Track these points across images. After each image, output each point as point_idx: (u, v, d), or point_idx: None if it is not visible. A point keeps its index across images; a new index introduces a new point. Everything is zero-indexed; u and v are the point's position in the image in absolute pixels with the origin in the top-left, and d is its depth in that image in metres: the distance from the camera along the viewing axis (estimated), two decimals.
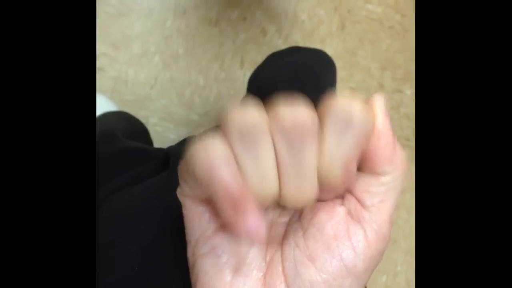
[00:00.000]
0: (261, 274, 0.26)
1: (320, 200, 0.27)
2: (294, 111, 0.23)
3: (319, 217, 0.26)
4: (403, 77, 1.30)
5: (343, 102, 0.23)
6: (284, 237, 0.27)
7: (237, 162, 0.23)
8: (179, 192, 0.27)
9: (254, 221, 0.22)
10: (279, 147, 0.23)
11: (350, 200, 0.26)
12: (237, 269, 0.26)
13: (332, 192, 0.26)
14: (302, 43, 1.28)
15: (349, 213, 0.26)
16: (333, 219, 0.26)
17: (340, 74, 1.21)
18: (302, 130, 0.23)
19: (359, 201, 0.26)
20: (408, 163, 0.26)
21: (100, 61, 1.18)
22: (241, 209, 0.22)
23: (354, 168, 0.25)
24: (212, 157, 0.23)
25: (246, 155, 0.23)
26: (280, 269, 0.26)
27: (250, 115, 0.23)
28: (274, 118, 0.23)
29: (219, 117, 0.24)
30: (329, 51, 1.27)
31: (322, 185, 0.24)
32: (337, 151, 0.23)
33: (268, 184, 0.24)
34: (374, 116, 0.25)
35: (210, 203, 0.26)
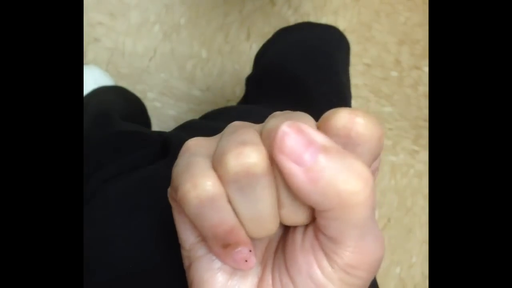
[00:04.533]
0: (256, 279, 0.27)
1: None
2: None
3: (290, 243, 0.27)
4: (422, 53, 1.29)
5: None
6: (275, 249, 0.28)
7: (229, 201, 0.24)
8: (169, 195, 0.28)
9: (243, 255, 0.24)
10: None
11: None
12: (232, 273, 0.27)
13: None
14: (313, 15, 1.27)
15: (315, 238, 0.25)
16: (302, 246, 0.26)
17: (354, 49, 1.19)
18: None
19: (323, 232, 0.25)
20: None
21: (96, 31, 1.15)
22: (230, 248, 0.24)
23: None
24: (202, 196, 0.24)
25: (240, 198, 0.24)
26: (270, 281, 0.27)
27: (247, 162, 0.24)
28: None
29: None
30: (343, 23, 1.27)
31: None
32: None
33: (265, 223, 0.25)
34: None
35: None
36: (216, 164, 0.24)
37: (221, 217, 0.24)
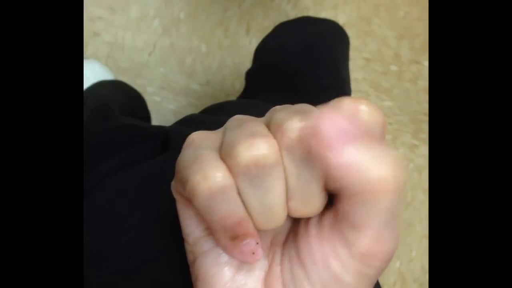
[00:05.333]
0: (263, 273, 0.27)
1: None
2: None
3: (303, 234, 0.26)
4: (422, 47, 1.28)
5: None
6: (284, 241, 0.28)
7: (238, 193, 0.25)
8: (173, 188, 0.28)
9: (251, 247, 0.24)
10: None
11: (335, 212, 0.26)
12: (239, 268, 0.27)
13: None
14: (313, 9, 1.26)
15: (333, 226, 0.25)
16: (317, 237, 0.26)
17: (354, 43, 1.19)
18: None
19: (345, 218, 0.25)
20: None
21: (96, 25, 1.15)
22: (238, 240, 0.24)
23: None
24: (213, 188, 0.24)
25: (250, 189, 0.24)
26: (279, 272, 0.27)
27: (258, 154, 0.24)
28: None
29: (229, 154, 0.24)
30: (342, 18, 1.27)
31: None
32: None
33: (273, 215, 0.25)
34: None
35: None
36: (226, 156, 0.25)
37: (230, 209, 0.24)
